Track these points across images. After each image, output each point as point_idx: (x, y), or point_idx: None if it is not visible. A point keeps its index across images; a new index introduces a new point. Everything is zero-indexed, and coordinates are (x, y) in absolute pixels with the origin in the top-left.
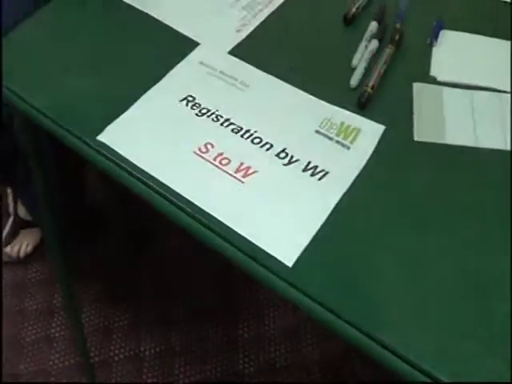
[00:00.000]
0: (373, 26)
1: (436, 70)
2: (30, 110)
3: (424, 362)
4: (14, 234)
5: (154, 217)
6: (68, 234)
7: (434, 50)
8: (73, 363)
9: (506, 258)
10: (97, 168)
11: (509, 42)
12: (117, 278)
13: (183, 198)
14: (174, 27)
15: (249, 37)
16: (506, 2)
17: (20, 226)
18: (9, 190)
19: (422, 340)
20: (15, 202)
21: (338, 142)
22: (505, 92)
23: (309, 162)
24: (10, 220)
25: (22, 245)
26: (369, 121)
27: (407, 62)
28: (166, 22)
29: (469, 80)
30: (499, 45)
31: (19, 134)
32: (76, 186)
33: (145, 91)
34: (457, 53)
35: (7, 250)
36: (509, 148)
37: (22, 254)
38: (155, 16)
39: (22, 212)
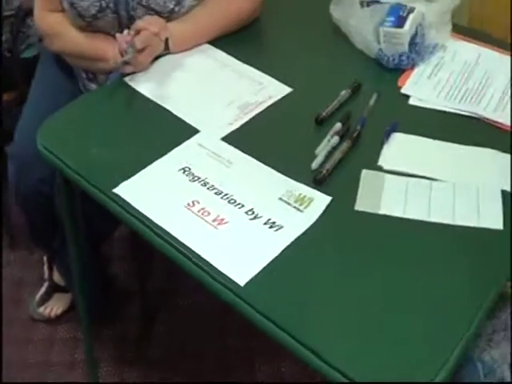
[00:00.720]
0: (337, 126)
1: (383, 161)
2: (65, 168)
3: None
4: (47, 297)
5: (166, 285)
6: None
7: (385, 146)
8: None
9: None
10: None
11: (447, 144)
12: (130, 341)
13: (174, 237)
14: (182, 117)
15: (238, 129)
16: (453, 113)
17: (54, 290)
18: (45, 259)
19: (339, 345)
20: (51, 269)
21: (294, 206)
22: (436, 180)
23: (269, 219)
24: (46, 284)
25: (54, 307)
26: (320, 193)
27: (361, 155)
28: (176, 113)
29: (408, 169)
30: (437, 145)
31: (57, 201)
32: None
33: (153, 161)
34: (403, 149)
35: (40, 309)
36: (430, 219)
37: (52, 314)
38: (168, 108)
39: (57, 277)
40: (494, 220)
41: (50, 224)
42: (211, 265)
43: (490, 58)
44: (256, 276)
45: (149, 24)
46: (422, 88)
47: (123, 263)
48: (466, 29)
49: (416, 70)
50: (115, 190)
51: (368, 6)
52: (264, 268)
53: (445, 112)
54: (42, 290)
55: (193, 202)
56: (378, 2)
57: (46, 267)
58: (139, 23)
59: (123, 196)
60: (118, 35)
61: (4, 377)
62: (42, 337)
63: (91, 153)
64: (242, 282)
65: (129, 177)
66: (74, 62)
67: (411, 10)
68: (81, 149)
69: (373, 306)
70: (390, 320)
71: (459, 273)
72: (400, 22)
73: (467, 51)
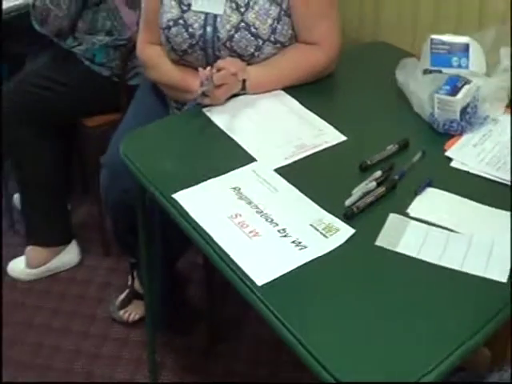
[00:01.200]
0: (377, 173)
1: (411, 209)
2: (137, 173)
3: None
4: (127, 302)
5: (234, 313)
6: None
7: (417, 198)
8: None
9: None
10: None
11: (475, 203)
12: (194, 354)
13: (213, 240)
14: (244, 147)
15: (291, 164)
16: (488, 178)
17: (134, 296)
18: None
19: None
20: (133, 278)
21: (321, 233)
22: (455, 232)
23: (297, 239)
24: (127, 290)
25: (132, 312)
26: (346, 225)
27: (393, 201)
28: (240, 143)
29: (432, 219)
30: (465, 203)
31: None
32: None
33: (211, 178)
34: (433, 203)
35: (120, 313)
36: (440, 263)
37: (130, 319)
38: (234, 138)
39: (137, 285)
40: (500, 273)
41: (133, 234)
42: (238, 265)
43: None
44: (273, 280)
45: (229, 64)
46: (466, 153)
47: (199, 288)
48: None
49: (464, 137)
50: (173, 196)
51: (430, 73)
52: (281, 276)
53: (481, 176)
54: (123, 294)
55: (235, 215)
56: (440, 72)
57: (130, 276)
58: (220, 62)
59: (179, 201)
60: (200, 69)
61: (79, 365)
62: (117, 336)
63: (160, 163)
64: (259, 282)
65: (187, 187)
66: (166, 91)
67: (467, 82)
68: (152, 159)
69: (373, 320)
70: (387, 332)
71: (464, 298)
72: (454, 91)
73: None
